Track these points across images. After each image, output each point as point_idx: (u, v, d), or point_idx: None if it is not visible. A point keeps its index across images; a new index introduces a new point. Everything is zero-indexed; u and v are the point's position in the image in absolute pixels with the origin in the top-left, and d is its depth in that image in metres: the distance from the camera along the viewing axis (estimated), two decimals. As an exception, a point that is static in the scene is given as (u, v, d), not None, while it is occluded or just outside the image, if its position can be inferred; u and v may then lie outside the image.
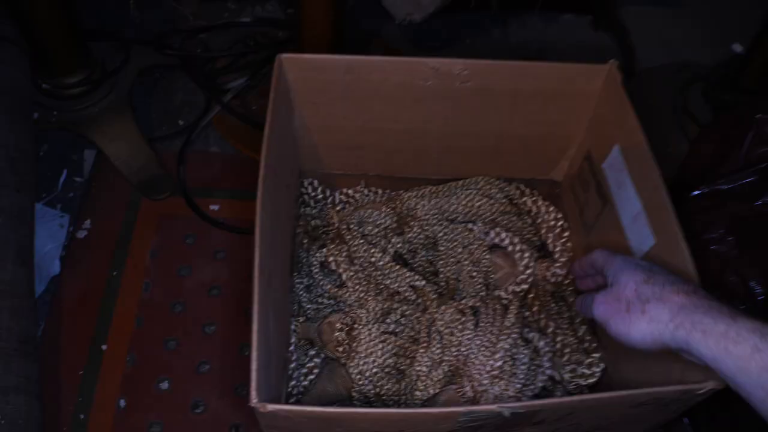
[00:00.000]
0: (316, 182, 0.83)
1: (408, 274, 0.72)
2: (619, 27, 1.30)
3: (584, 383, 0.68)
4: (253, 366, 0.49)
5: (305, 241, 0.78)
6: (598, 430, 0.60)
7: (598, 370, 0.68)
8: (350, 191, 0.83)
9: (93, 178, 0.98)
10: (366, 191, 0.82)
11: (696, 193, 0.80)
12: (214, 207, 0.97)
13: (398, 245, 0.75)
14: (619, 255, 0.58)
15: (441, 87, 0.71)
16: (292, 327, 0.72)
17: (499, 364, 0.66)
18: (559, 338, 0.69)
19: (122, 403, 0.79)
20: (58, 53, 0.96)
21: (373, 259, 0.74)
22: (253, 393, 0.48)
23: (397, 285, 0.73)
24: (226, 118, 1.06)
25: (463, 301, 0.71)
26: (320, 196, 0.82)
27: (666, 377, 0.57)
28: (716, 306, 0.48)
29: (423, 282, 0.72)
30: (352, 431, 0.52)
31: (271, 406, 0.48)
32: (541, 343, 0.68)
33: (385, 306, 0.70)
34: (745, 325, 0.45)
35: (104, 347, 0.83)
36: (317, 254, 0.76)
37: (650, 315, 0.50)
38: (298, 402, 0.69)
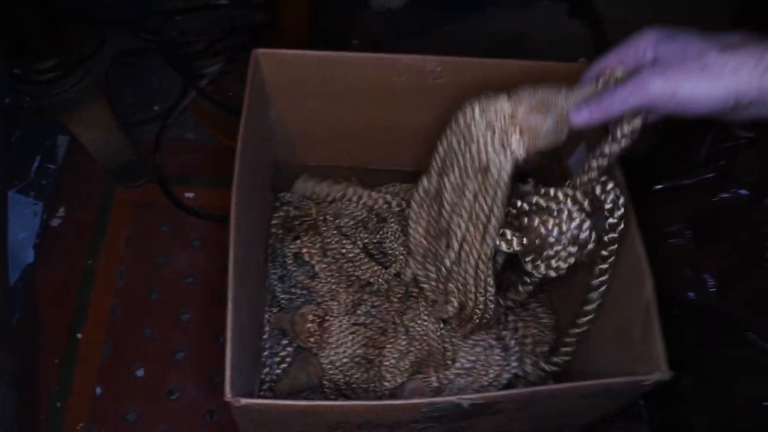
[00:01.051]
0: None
1: (376, 267, 0.74)
2: (593, 16, 1.31)
3: (547, 373, 0.71)
4: (228, 362, 0.51)
5: (280, 232, 0.79)
6: (556, 417, 0.62)
7: (560, 360, 0.71)
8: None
9: (66, 164, 0.98)
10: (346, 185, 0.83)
11: (658, 187, 0.83)
12: (190, 195, 0.97)
13: (369, 238, 0.77)
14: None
15: (414, 83, 0.72)
16: (266, 317, 0.74)
17: (468, 366, 0.68)
18: (520, 332, 0.72)
19: (99, 390, 0.80)
20: (30, 37, 0.94)
21: (344, 251, 0.76)
22: (227, 388, 0.50)
23: (368, 276, 0.75)
24: (201, 103, 1.06)
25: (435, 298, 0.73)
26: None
27: (620, 366, 0.60)
28: None
29: (391, 276, 0.74)
30: (321, 421, 0.54)
31: (244, 401, 0.49)
32: (512, 342, 0.71)
33: (356, 298, 0.72)
34: None
35: (80, 335, 0.84)
36: (291, 246, 0.77)
37: (732, 65, 0.44)
38: (270, 389, 0.71)
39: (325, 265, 0.74)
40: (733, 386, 0.77)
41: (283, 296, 0.76)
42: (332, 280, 0.73)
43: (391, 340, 0.71)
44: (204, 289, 0.90)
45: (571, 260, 0.56)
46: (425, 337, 0.70)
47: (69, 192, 0.96)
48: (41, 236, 0.91)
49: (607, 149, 0.53)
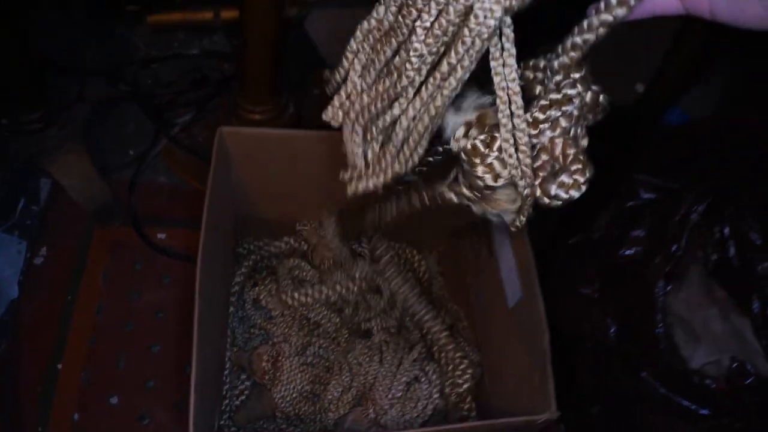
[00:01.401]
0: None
1: (325, 311, 0.86)
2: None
3: (460, 391, 0.83)
4: (191, 412, 0.61)
5: (241, 278, 0.90)
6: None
7: (468, 377, 0.82)
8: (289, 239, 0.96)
9: (49, 206, 1.07)
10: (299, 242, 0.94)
11: (572, 241, 0.96)
12: (162, 235, 1.08)
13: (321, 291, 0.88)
14: None
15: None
16: (228, 354, 0.85)
17: (399, 395, 0.80)
18: (443, 361, 0.84)
19: (76, 416, 0.90)
20: (16, 92, 1.04)
21: (296, 294, 0.87)
22: (191, 428, 0.61)
23: (319, 318, 0.87)
24: (173, 149, 1.16)
25: (374, 339, 0.85)
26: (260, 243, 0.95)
27: (523, 406, 0.73)
28: None
29: (338, 319, 0.86)
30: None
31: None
32: (434, 376, 0.82)
33: (305, 340, 0.83)
34: None
35: (60, 366, 0.94)
36: (251, 291, 0.88)
37: None
38: (230, 419, 0.82)
39: (278, 312, 0.85)
40: (633, 417, 0.91)
41: (243, 336, 0.87)
42: (284, 324, 0.85)
43: (335, 376, 0.82)
44: (173, 323, 1.00)
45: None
46: (365, 374, 0.82)
47: (51, 232, 1.05)
48: (25, 273, 1.01)
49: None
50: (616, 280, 0.93)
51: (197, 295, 0.65)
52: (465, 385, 0.83)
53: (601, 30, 0.42)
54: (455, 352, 0.85)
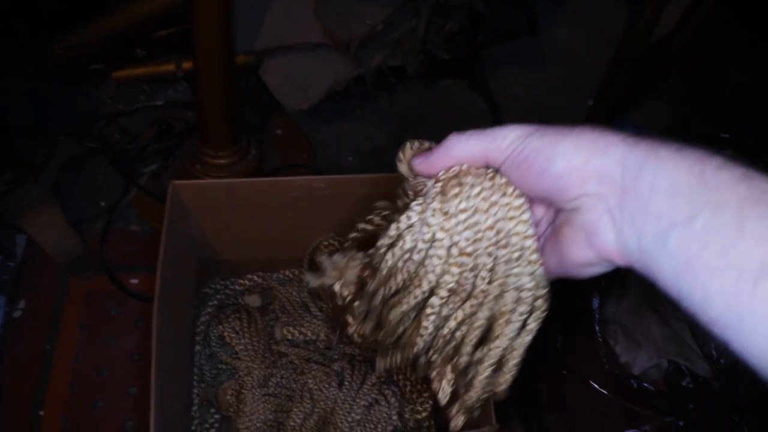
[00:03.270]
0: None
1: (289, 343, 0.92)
2: (488, 90, 1.51)
3: (420, 418, 0.88)
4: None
5: (207, 318, 0.96)
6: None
7: (428, 406, 0.88)
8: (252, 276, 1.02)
9: (25, 261, 1.13)
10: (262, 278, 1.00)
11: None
12: (134, 281, 1.13)
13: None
14: None
15: (306, 196, 0.90)
16: (195, 392, 0.90)
17: (358, 417, 0.86)
18: (401, 383, 0.89)
19: (59, 460, 0.95)
20: (-12, 156, 1.10)
21: (258, 323, 0.93)
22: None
23: (284, 349, 0.92)
24: (143, 198, 1.22)
25: (333, 365, 0.90)
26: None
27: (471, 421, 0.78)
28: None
29: (298, 348, 0.91)
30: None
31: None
32: (392, 399, 0.88)
33: (267, 372, 0.89)
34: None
35: (42, 413, 0.99)
36: (215, 329, 0.94)
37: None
38: (202, 451, 0.87)
39: (242, 346, 0.91)
40: (583, 424, 0.96)
41: (211, 372, 0.93)
42: (248, 358, 0.90)
43: (297, 404, 0.87)
44: (148, 364, 1.05)
45: None
46: (325, 399, 0.88)
47: (28, 285, 1.11)
48: (4, 326, 1.06)
49: None
50: (560, 293, 0.99)
51: (154, 339, 0.71)
52: (424, 414, 0.88)
53: None
54: (416, 377, 0.90)
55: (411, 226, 0.43)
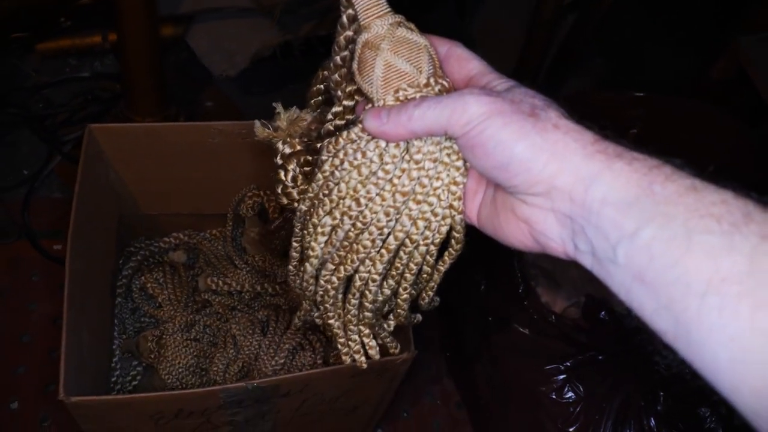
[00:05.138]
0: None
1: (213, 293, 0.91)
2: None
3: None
4: (62, 369, 0.65)
5: (129, 272, 0.94)
6: (345, 398, 0.80)
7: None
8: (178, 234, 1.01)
9: (-58, 228, 1.10)
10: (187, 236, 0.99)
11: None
12: (57, 246, 1.11)
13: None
14: None
15: (228, 143, 0.90)
16: (116, 344, 0.89)
17: (282, 361, 0.86)
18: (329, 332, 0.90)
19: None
20: None
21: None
22: (61, 390, 0.65)
23: (207, 296, 0.92)
24: (66, 166, 1.20)
25: (257, 314, 0.90)
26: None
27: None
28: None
29: (223, 297, 0.91)
30: (141, 413, 0.69)
31: (74, 398, 0.65)
32: (317, 344, 0.88)
33: (190, 318, 0.88)
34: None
35: (-44, 377, 0.96)
36: (137, 282, 0.93)
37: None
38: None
39: (165, 296, 0.90)
40: (507, 366, 0.98)
41: (135, 325, 0.91)
42: (171, 308, 0.89)
43: (220, 350, 0.87)
44: (72, 328, 1.03)
45: None
46: (249, 345, 0.87)
47: (-55, 252, 1.07)
48: None
49: None
50: (481, 241, 1.01)
51: (66, 293, 0.70)
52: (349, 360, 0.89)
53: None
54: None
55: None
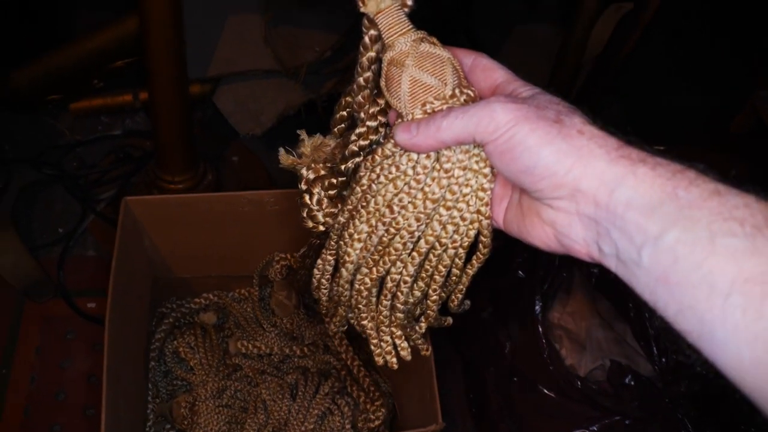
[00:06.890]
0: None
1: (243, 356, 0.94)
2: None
3: (373, 426, 0.90)
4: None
5: (162, 335, 0.97)
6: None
7: (381, 415, 0.90)
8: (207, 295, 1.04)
9: (-19, 287, 1.14)
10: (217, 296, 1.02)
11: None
12: (92, 305, 1.14)
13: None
14: None
15: (257, 212, 0.93)
16: (150, 407, 0.91)
17: (312, 427, 0.87)
18: (354, 394, 0.91)
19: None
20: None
21: (213, 338, 0.94)
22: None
23: (237, 360, 0.94)
24: (100, 224, 1.24)
25: (286, 377, 0.92)
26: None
27: (421, 419, 0.81)
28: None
29: (252, 360, 0.93)
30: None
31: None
32: (346, 409, 0.90)
33: (221, 384, 0.90)
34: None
35: (-4, 437, 0.99)
36: (170, 345, 0.95)
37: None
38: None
39: (197, 361, 0.92)
40: (533, 428, 0.99)
41: (167, 388, 0.94)
42: (203, 372, 0.92)
43: (251, 415, 0.89)
44: (105, 386, 1.05)
45: None
46: (279, 410, 0.89)
47: (-17, 311, 1.11)
48: (-41, 353, 1.06)
49: None
50: (506, 302, 1.03)
51: (105, 357, 0.73)
52: (377, 422, 0.90)
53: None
54: (369, 386, 0.93)
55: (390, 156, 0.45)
